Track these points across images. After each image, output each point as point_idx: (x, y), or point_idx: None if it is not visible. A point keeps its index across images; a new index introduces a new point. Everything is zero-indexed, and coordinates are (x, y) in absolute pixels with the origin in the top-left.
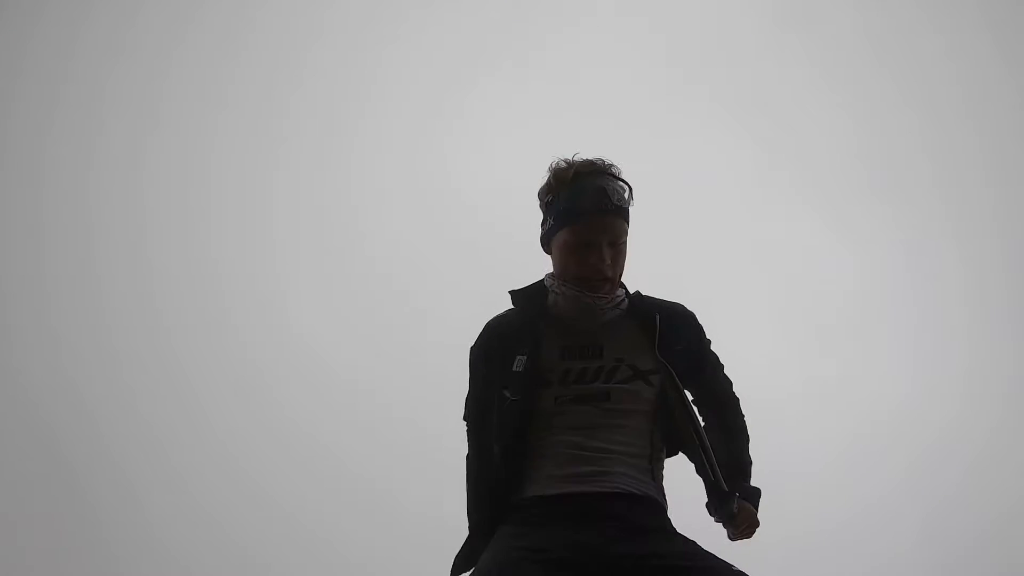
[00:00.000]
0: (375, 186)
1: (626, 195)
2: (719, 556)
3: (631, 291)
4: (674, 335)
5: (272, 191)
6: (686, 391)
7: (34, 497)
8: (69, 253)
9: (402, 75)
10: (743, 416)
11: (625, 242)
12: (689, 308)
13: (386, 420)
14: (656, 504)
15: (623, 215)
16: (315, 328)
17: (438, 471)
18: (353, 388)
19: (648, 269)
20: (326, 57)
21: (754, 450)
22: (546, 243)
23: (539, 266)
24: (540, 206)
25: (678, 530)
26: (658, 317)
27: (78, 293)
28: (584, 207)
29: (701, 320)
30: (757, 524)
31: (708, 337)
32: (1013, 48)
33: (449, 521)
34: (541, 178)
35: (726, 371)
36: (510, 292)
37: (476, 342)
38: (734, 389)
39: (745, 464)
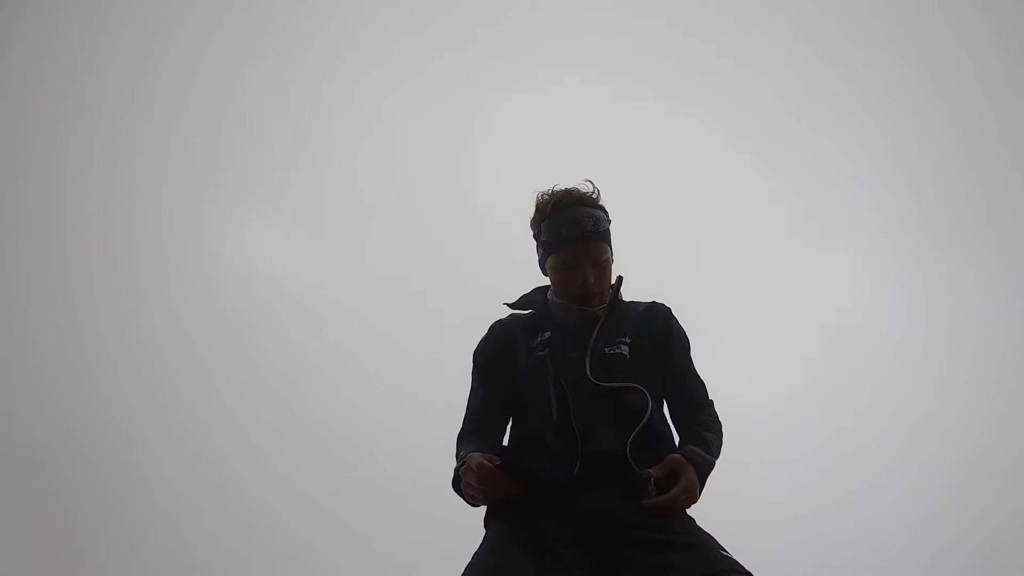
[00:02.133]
0: (389, 186)
1: (602, 219)
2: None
3: (621, 296)
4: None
5: (285, 189)
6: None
7: (53, 493)
8: (89, 253)
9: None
10: (708, 413)
11: (608, 259)
12: (665, 306)
13: (403, 413)
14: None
15: (601, 237)
16: (337, 327)
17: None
18: (370, 380)
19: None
20: (348, 60)
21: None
22: (542, 267)
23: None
24: (533, 236)
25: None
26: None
27: (96, 292)
28: (563, 236)
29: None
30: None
31: (685, 336)
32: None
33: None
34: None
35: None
36: (506, 304)
37: (480, 342)
38: (705, 390)
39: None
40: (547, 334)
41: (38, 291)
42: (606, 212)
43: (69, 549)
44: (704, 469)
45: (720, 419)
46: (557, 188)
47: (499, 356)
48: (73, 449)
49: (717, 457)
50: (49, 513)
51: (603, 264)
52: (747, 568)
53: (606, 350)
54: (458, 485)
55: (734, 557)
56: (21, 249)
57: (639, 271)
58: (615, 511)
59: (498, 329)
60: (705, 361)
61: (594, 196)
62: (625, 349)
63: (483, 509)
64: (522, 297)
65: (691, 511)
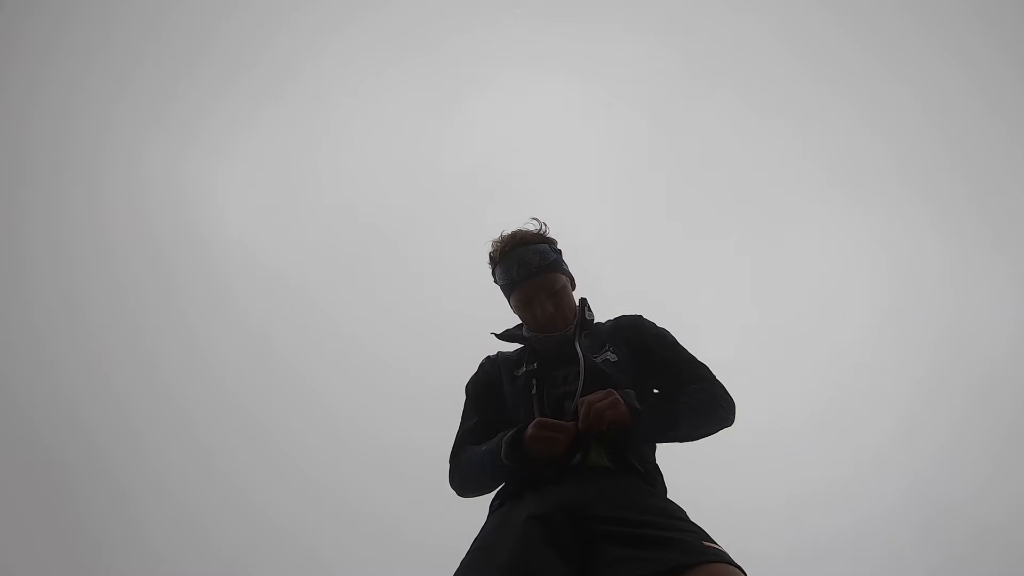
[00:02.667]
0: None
1: (548, 252)
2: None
3: (591, 317)
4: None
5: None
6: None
7: (24, 498)
8: (47, 257)
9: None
10: (694, 387)
11: (564, 286)
12: (632, 314)
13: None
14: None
15: (550, 268)
16: (295, 350)
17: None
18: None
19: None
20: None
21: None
22: (511, 307)
23: None
24: (494, 282)
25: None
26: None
27: (57, 295)
28: (515, 277)
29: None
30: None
31: (664, 332)
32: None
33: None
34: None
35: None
36: (493, 334)
37: (473, 376)
38: (700, 372)
39: (660, 403)
40: (534, 365)
41: (42, 283)
42: (552, 244)
43: (80, 538)
44: (629, 400)
45: (718, 392)
46: (504, 233)
47: (488, 386)
48: (77, 427)
49: (669, 414)
50: (62, 504)
51: (559, 292)
52: (733, 558)
53: (595, 358)
54: (516, 450)
55: (719, 547)
56: (26, 248)
57: (634, 262)
58: (594, 504)
59: (487, 364)
60: (694, 345)
61: (540, 232)
62: (611, 356)
63: (482, 499)
64: (507, 331)
65: (683, 504)
